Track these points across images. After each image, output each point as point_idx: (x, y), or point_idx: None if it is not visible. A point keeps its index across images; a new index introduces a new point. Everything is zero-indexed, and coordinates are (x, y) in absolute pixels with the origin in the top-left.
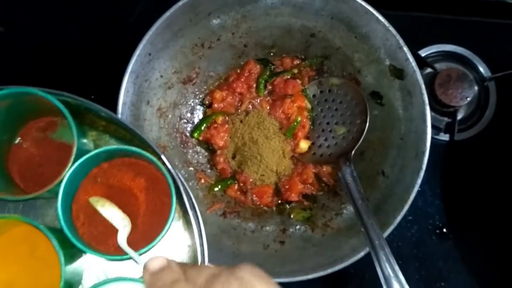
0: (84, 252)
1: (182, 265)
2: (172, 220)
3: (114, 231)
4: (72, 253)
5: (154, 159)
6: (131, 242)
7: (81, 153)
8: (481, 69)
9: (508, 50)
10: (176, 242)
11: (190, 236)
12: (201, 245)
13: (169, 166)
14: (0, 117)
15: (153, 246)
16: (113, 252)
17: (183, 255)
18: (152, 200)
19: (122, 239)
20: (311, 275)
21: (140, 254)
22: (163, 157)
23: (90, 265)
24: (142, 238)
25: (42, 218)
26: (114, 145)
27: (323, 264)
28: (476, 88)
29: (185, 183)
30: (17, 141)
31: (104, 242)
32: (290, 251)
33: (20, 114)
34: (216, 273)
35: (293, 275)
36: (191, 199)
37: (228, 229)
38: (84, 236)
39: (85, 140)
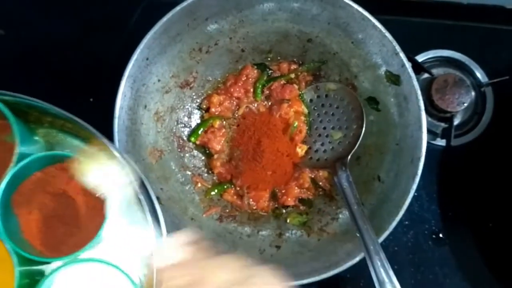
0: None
1: (200, 258)
2: (108, 217)
3: (53, 232)
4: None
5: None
6: (76, 243)
7: (29, 153)
8: (478, 74)
9: (505, 55)
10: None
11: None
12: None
13: (116, 154)
14: None
15: (95, 244)
16: (49, 254)
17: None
18: (91, 200)
19: None
20: (307, 280)
21: (82, 253)
22: (105, 141)
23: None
24: (87, 237)
25: None
26: (45, 151)
27: (318, 269)
28: (473, 93)
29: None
30: None
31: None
32: (286, 256)
33: None
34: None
35: (289, 280)
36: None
37: (224, 234)
38: (27, 236)
39: (36, 138)
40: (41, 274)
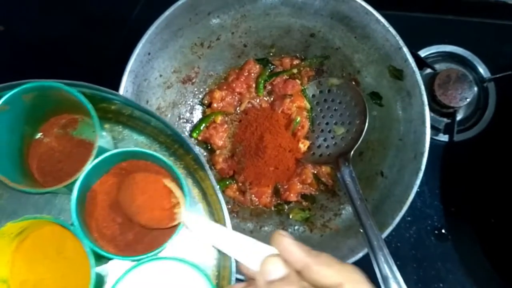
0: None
1: (300, 270)
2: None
3: (125, 230)
4: (99, 255)
5: (164, 159)
6: (152, 241)
7: (100, 149)
8: (480, 70)
9: (507, 51)
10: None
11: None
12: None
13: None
14: (24, 110)
15: (169, 242)
16: (122, 251)
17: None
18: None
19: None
20: None
21: (157, 253)
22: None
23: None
24: (162, 236)
25: (60, 214)
26: (131, 147)
27: None
28: (475, 89)
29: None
30: (38, 136)
31: (113, 241)
32: None
33: (43, 109)
34: None
35: None
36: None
37: None
38: (95, 235)
39: (104, 133)
40: (104, 276)
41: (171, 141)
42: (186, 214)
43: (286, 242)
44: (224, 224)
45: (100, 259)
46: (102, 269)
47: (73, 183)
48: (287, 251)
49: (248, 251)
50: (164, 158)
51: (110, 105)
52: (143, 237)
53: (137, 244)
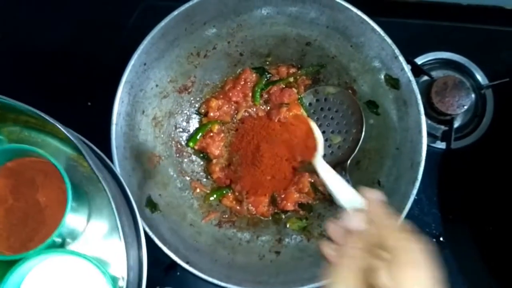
0: None
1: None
2: (70, 205)
3: (19, 230)
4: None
5: (40, 151)
6: (43, 236)
7: None
8: (478, 76)
9: (505, 57)
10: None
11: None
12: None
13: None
14: None
15: (57, 235)
16: (18, 251)
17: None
18: (52, 191)
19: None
20: (307, 286)
21: (47, 246)
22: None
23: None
24: (53, 229)
25: None
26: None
27: (319, 275)
28: (473, 96)
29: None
30: None
31: (7, 242)
32: (285, 262)
33: None
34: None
35: (289, 286)
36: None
37: (223, 239)
38: None
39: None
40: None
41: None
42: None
43: (377, 204)
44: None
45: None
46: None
47: None
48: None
49: (348, 196)
50: (41, 151)
51: (6, 107)
52: (34, 235)
53: (29, 242)
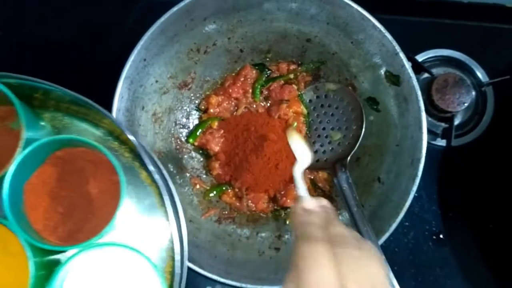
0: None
1: (329, 219)
2: (124, 198)
3: (66, 220)
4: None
5: (95, 143)
6: (93, 229)
7: (36, 138)
8: (478, 74)
9: (506, 55)
10: (156, 232)
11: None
12: (180, 238)
13: (134, 141)
14: None
15: (108, 229)
16: (65, 241)
17: (161, 246)
18: (102, 183)
19: (297, 170)
20: None
21: (99, 239)
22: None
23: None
24: (104, 222)
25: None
26: (59, 135)
27: None
28: (473, 93)
29: (162, 168)
30: None
31: (55, 231)
32: (285, 258)
33: None
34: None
35: None
36: (168, 186)
37: (223, 236)
38: (38, 226)
39: (42, 123)
40: (58, 264)
41: (114, 125)
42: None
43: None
44: (175, 207)
45: (50, 252)
46: (54, 258)
47: (2, 177)
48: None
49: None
50: (96, 143)
51: (48, 93)
52: (82, 226)
53: (77, 233)
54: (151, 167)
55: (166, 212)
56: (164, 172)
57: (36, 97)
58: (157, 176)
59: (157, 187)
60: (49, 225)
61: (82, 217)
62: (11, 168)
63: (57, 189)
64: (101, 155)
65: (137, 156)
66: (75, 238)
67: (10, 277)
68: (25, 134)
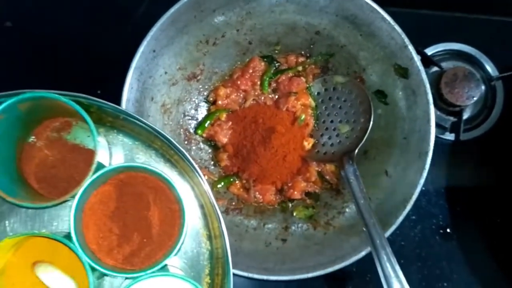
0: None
1: None
2: (187, 227)
3: (122, 242)
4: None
5: (160, 173)
6: (148, 255)
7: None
8: (488, 68)
9: None
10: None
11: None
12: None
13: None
14: (18, 118)
15: (169, 257)
16: (121, 264)
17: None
18: (161, 210)
19: None
20: (312, 274)
21: (154, 267)
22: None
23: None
24: (158, 249)
25: (54, 219)
26: (130, 163)
27: (324, 263)
28: (483, 87)
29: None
30: (30, 140)
31: (110, 253)
32: (291, 249)
33: (37, 115)
34: None
35: (294, 273)
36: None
37: (231, 226)
38: (93, 246)
39: (98, 138)
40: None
41: (166, 147)
42: None
43: None
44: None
45: (94, 271)
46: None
47: (72, 196)
48: None
49: None
50: (163, 174)
51: (103, 109)
52: (140, 250)
53: (134, 257)
54: (206, 187)
55: (207, 225)
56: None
57: (92, 112)
58: (209, 190)
59: (203, 215)
60: (103, 245)
61: (139, 241)
62: (80, 191)
63: (114, 210)
64: (161, 183)
65: (185, 178)
66: (131, 263)
67: None
68: (96, 158)
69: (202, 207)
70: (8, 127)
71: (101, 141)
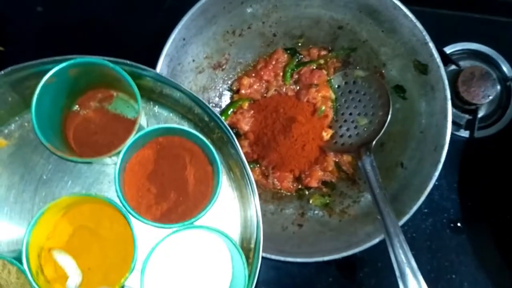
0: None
1: None
2: (221, 187)
3: (159, 200)
4: None
5: (197, 134)
6: (184, 211)
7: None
8: (504, 68)
9: None
10: (227, 210)
11: (240, 205)
12: (256, 214)
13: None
14: (67, 84)
15: (204, 213)
16: (159, 220)
17: (234, 224)
18: (197, 171)
19: (71, 284)
20: (327, 257)
21: (192, 222)
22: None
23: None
24: (194, 207)
25: (94, 183)
26: (169, 124)
27: (338, 248)
28: (498, 87)
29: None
30: (75, 109)
31: (149, 210)
32: (307, 234)
33: (83, 83)
34: None
35: (310, 256)
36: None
37: None
38: (133, 204)
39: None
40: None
41: (199, 119)
42: None
43: None
44: (249, 200)
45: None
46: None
47: (116, 154)
48: None
49: None
50: (200, 135)
51: (143, 82)
52: (177, 207)
53: (171, 213)
54: (240, 152)
55: (240, 195)
56: (244, 160)
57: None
58: (244, 160)
59: (233, 180)
60: (142, 203)
61: (175, 199)
62: (125, 147)
63: (152, 172)
64: (197, 146)
65: (219, 147)
66: (168, 218)
67: (114, 254)
68: (140, 119)
69: (233, 178)
70: (58, 92)
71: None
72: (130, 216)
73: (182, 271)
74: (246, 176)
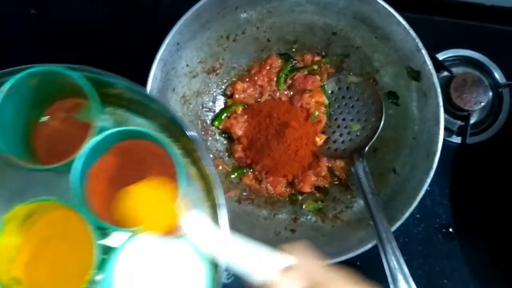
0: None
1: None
2: (184, 189)
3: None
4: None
5: (157, 135)
6: None
7: (102, 129)
8: (496, 75)
9: None
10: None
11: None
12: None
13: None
14: (29, 94)
15: None
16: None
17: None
18: (160, 174)
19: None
20: None
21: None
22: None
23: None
24: None
25: (65, 193)
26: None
27: (331, 253)
28: (490, 93)
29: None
30: (43, 119)
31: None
32: (300, 239)
33: (48, 93)
34: None
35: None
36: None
37: (243, 215)
38: (98, 210)
39: (105, 116)
40: (110, 250)
41: (170, 123)
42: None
43: (308, 256)
44: (218, 204)
45: (104, 235)
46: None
47: (71, 162)
48: (307, 266)
49: (263, 262)
50: (160, 136)
51: (111, 89)
52: None
53: None
54: (209, 161)
55: (211, 207)
56: (213, 168)
57: (101, 92)
58: (213, 170)
59: (205, 183)
60: (107, 209)
61: None
62: (83, 153)
63: (116, 177)
64: (160, 149)
65: (189, 154)
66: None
67: (72, 262)
68: (97, 123)
69: (204, 181)
70: (20, 102)
71: (108, 119)
72: (90, 222)
73: (150, 280)
74: (213, 181)
